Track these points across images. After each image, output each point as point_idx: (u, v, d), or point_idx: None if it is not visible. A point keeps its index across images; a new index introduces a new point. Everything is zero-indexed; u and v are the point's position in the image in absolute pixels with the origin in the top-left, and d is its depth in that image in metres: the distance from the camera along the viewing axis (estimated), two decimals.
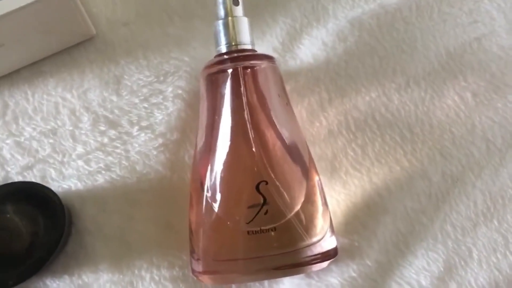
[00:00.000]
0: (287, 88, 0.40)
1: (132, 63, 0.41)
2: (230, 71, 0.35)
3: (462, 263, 0.37)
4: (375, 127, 0.40)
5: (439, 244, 0.38)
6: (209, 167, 0.35)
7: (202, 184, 0.35)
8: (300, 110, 0.41)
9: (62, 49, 0.41)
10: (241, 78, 0.35)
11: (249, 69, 0.35)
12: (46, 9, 0.36)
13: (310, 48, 0.42)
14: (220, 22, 0.36)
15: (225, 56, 0.36)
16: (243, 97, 0.35)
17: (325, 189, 0.37)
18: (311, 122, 0.40)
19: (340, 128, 0.40)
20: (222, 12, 0.36)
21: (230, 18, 0.36)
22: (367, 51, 0.42)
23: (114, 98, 0.40)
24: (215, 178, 0.35)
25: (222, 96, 0.35)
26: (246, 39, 0.36)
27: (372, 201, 0.38)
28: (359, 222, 0.38)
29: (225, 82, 0.35)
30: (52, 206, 0.35)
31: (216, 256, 0.35)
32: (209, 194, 0.35)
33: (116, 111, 0.40)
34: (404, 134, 0.40)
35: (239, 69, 0.35)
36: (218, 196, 0.34)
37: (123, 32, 0.42)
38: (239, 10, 0.36)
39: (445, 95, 0.41)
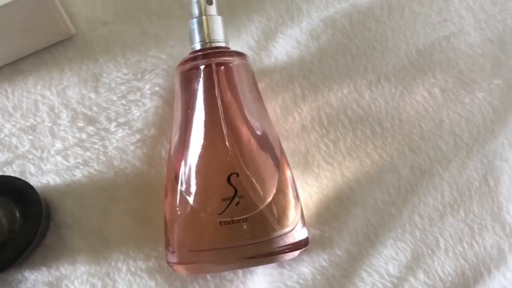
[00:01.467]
0: (262, 85, 0.41)
1: (110, 61, 0.42)
2: (202, 67, 0.36)
3: (429, 252, 0.38)
4: (347, 122, 0.41)
5: (407, 234, 0.39)
6: (183, 161, 0.36)
7: (176, 178, 0.36)
8: (274, 106, 0.42)
9: (42, 48, 0.42)
10: (214, 74, 0.36)
11: (222, 66, 0.36)
12: (24, 9, 0.37)
13: (284, 47, 0.43)
14: (195, 20, 0.37)
15: (198, 53, 0.37)
16: (216, 93, 0.36)
17: (298, 182, 0.39)
18: (285, 117, 0.42)
19: (313, 123, 0.41)
20: (196, 11, 0.37)
21: (204, 17, 0.37)
22: (339, 49, 0.43)
23: (93, 95, 0.41)
24: (189, 171, 0.36)
25: (195, 92, 0.36)
26: (219, 37, 0.37)
27: (343, 194, 0.39)
28: (330, 214, 0.39)
29: (198, 78, 0.36)
30: (30, 199, 0.36)
31: (191, 247, 0.36)
32: (183, 187, 0.35)
33: (94, 108, 0.41)
34: (374, 129, 0.41)
35: (212, 65, 0.36)
36: (192, 189, 0.35)
37: (102, 31, 0.43)
38: (213, 9, 0.37)
39: (414, 91, 0.42)
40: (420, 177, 0.40)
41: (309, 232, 0.38)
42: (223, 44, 0.37)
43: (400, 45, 0.43)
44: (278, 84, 0.42)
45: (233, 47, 0.39)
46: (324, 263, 0.38)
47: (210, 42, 0.37)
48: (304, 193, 0.39)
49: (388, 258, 0.38)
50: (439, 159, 0.40)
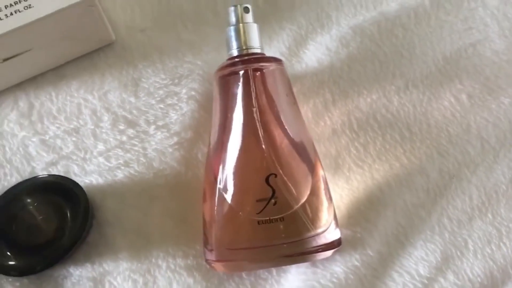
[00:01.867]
0: (294, 90, 0.43)
1: (149, 67, 0.44)
2: (241, 72, 0.38)
3: (458, 253, 0.39)
4: (376, 127, 0.43)
5: (436, 236, 0.40)
6: (221, 163, 0.37)
7: (215, 178, 0.37)
8: (306, 111, 0.43)
9: (84, 54, 0.44)
10: (251, 80, 0.38)
11: (258, 71, 0.38)
12: (71, 17, 0.39)
13: (315, 53, 0.45)
14: (232, 28, 0.39)
15: (236, 59, 0.38)
16: (253, 97, 0.37)
17: (330, 185, 0.40)
18: (316, 122, 0.43)
19: (343, 127, 0.43)
20: (233, 19, 0.39)
21: (241, 24, 0.39)
22: (368, 56, 0.44)
23: (132, 99, 0.43)
24: (227, 172, 0.37)
25: (233, 96, 0.38)
26: (255, 44, 0.39)
27: (374, 196, 0.41)
28: (361, 215, 0.40)
29: (236, 83, 0.38)
30: (77, 198, 0.38)
31: (228, 245, 0.37)
32: (221, 188, 0.37)
33: (134, 111, 0.43)
34: (403, 133, 0.42)
35: (249, 71, 0.38)
36: (230, 189, 0.37)
37: (140, 37, 0.44)
38: (249, 17, 0.39)
39: (441, 97, 0.43)
40: (448, 180, 0.41)
41: (341, 233, 0.39)
42: (259, 51, 0.39)
43: (427, 52, 0.45)
44: (309, 89, 0.44)
45: (266, 53, 0.41)
46: (356, 263, 0.39)
47: (247, 49, 0.38)
48: (336, 195, 0.41)
49: (418, 259, 0.39)
50: (467, 163, 0.42)
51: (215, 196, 0.37)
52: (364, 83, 0.44)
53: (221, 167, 0.37)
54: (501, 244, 0.40)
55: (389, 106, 0.43)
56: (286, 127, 0.38)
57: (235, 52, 0.39)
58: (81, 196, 0.37)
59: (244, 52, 0.38)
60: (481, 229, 0.40)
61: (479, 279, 0.39)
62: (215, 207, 0.37)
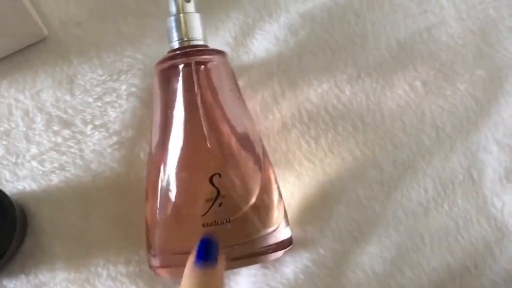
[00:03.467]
0: (241, 82, 0.40)
1: (85, 63, 0.41)
2: (181, 66, 0.35)
3: (415, 248, 0.38)
4: (328, 119, 0.40)
5: (391, 230, 0.38)
6: (163, 162, 0.35)
7: (157, 179, 0.35)
8: (254, 104, 0.41)
9: (14, 51, 0.40)
10: (193, 73, 0.35)
11: (201, 65, 0.35)
12: None
13: (263, 43, 0.42)
14: (172, 18, 0.36)
15: (177, 52, 0.36)
16: (196, 92, 0.35)
17: (280, 181, 0.38)
18: (265, 115, 0.41)
19: (293, 120, 0.40)
20: (174, 9, 0.36)
21: (181, 14, 0.36)
22: (319, 44, 0.42)
23: (68, 98, 0.40)
24: (170, 173, 0.35)
25: (174, 92, 0.35)
26: (198, 35, 0.36)
27: (326, 192, 0.39)
28: (313, 213, 0.38)
29: (177, 77, 0.35)
30: (3, 206, 0.35)
31: (173, 249, 0.35)
32: (164, 189, 0.34)
33: (69, 110, 0.40)
34: (356, 125, 0.40)
35: (191, 64, 0.35)
36: (174, 191, 0.34)
37: (76, 32, 0.41)
38: (190, 7, 0.36)
39: (395, 85, 0.41)
40: (403, 172, 0.39)
41: (292, 232, 0.37)
42: (201, 42, 0.36)
43: (380, 38, 0.42)
44: (257, 81, 0.41)
45: (211, 44, 0.38)
46: (308, 263, 0.37)
47: (189, 40, 0.36)
48: (286, 192, 0.38)
49: (373, 256, 0.37)
50: (422, 153, 0.40)
51: (158, 197, 0.35)
52: (315, 72, 0.41)
53: (162, 166, 0.35)
54: (459, 236, 0.38)
55: (341, 96, 0.41)
56: (232, 123, 0.36)
57: (176, 44, 0.36)
58: (7, 204, 0.35)
59: (186, 44, 0.36)
60: (437, 221, 0.38)
61: (436, 273, 0.37)
62: (157, 210, 0.35)
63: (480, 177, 0.39)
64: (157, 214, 0.35)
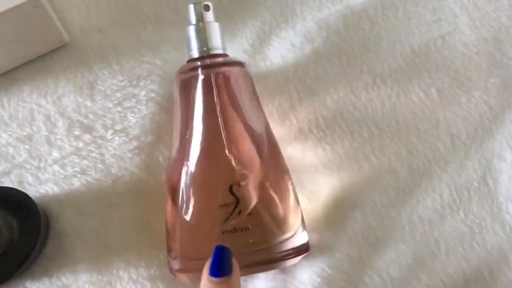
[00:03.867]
0: (258, 89, 0.41)
1: (105, 69, 0.41)
2: (202, 77, 0.36)
3: (430, 254, 0.38)
4: (344, 125, 0.41)
5: (407, 236, 0.38)
6: (184, 169, 0.36)
7: (177, 185, 0.36)
8: (271, 110, 0.41)
9: (36, 57, 0.41)
10: (213, 84, 0.36)
11: (221, 75, 0.36)
12: (17, 18, 0.36)
13: (279, 49, 0.43)
14: (192, 27, 0.37)
15: (198, 63, 0.36)
16: (216, 102, 0.35)
17: (296, 187, 0.38)
18: (282, 121, 0.41)
19: (310, 126, 0.41)
20: (193, 18, 0.37)
21: (201, 23, 0.37)
22: (334, 51, 0.42)
23: (88, 103, 0.41)
24: (190, 179, 0.35)
25: (194, 101, 0.36)
26: (217, 44, 0.37)
27: (342, 197, 0.39)
28: (329, 218, 0.39)
29: (197, 88, 0.36)
30: (28, 210, 0.35)
31: (193, 255, 0.35)
32: (184, 195, 0.35)
33: (90, 115, 0.40)
34: (371, 131, 0.41)
35: (211, 75, 0.36)
36: (194, 197, 0.35)
37: (96, 38, 0.42)
38: (210, 16, 0.37)
39: (410, 91, 0.42)
40: (418, 178, 0.40)
41: (308, 237, 0.37)
42: (221, 51, 0.37)
43: (395, 45, 0.43)
44: (274, 87, 0.42)
45: (228, 51, 0.39)
46: (326, 268, 0.37)
47: (209, 50, 0.36)
48: (303, 198, 0.39)
49: (389, 261, 0.38)
50: (437, 160, 0.40)
51: (178, 204, 0.36)
52: (331, 79, 0.42)
53: (183, 173, 0.36)
54: (474, 243, 0.39)
55: (357, 102, 0.41)
56: (251, 132, 0.36)
57: (195, 54, 0.37)
58: (31, 208, 0.35)
59: (205, 53, 0.36)
60: (452, 228, 0.39)
61: (451, 280, 0.38)
62: (178, 216, 0.35)
63: (495, 184, 0.40)
64: (177, 220, 0.36)
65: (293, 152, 0.40)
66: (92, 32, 0.42)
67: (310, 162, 0.40)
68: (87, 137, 0.40)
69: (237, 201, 0.34)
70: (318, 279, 0.37)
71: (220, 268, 0.31)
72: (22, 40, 0.39)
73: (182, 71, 0.37)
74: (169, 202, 0.36)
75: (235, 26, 0.44)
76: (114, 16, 0.43)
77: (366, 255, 0.38)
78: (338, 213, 0.39)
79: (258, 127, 0.37)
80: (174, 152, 0.37)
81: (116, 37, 0.42)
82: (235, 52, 0.43)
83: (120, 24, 0.43)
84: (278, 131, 0.41)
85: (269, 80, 0.42)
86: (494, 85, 0.42)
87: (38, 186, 0.39)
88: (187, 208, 0.35)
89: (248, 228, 0.34)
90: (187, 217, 0.35)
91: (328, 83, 0.42)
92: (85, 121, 0.40)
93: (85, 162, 0.40)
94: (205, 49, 0.36)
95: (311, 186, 0.40)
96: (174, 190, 0.36)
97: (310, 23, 0.43)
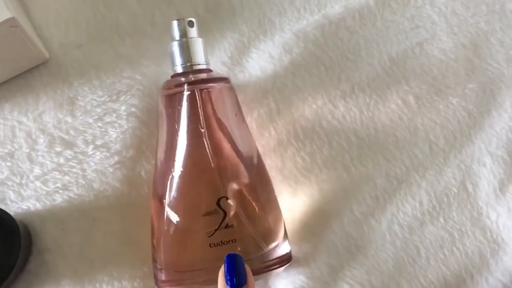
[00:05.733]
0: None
1: (85, 84, 0.43)
2: (187, 93, 0.37)
3: (411, 261, 0.39)
4: (323, 134, 0.42)
5: (387, 244, 0.39)
6: (169, 182, 0.37)
7: (162, 198, 0.37)
8: (250, 122, 0.42)
9: (17, 74, 0.43)
10: (198, 100, 0.37)
11: (205, 90, 0.37)
12: None
13: (258, 61, 0.44)
14: (176, 43, 0.38)
15: (182, 78, 0.37)
16: (201, 118, 0.37)
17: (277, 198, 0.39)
18: (261, 133, 0.42)
19: (289, 137, 0.42)
20: (177, 34, 0.38)
21: (185, 39, 0.38)
22: (312, 61, 0.44)
23: (69, 119, 0.42)
24: (175, 193, 0.36)
25: (179, 117, 0.37)
26: (201, 59, 0.38)
27: (321, 208, 0.40)
28: (309, 229, 0.40)
29: (181, 103, 0.37)
30: (8, 227, 0.37)
31: (178, 267, 0.36)
32: (169, 209, 0.36)
33: (71, 131, 0.42)
34: (350, 140, 0.42)
35: (195, 91, 0.37)
36: (179, 210, 0.36)
37: (75, 54, 0.43)
38: (194, 32, 0.38)
39: (388, 99, 0.43)
40: (397, 186, 0.41)
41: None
42: (204, 66, 0.38)
43: (373, 54, 0.44)
44: (253, 99, 0.43)
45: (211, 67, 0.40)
46: (305, 279, 0.38)
47: (192, 65, 0.38)
48: (283, 209, 0.40)
49: (370, 269, 0.39)
50: (416, 167, 0.41)
51: (163, 217, 0.37)
52: (309, 89, 0.43)
53: (168, 187, 0.37)
54: (454, 248, 0.40)
55: (335, 112, 0.43)
56: (236, 146, 0.38)
57: (179, 69, 0.38)
58: (11, 224, 0.36)
59: (189, 68, 0.38)
60: (433, 234, 0.40)
61: (432, 286, 0.39)
62: (163, 229, 0.37)
63: (474, 189, 0.41)
64: (162, 231, 0.37)
65: (272, 162, 0.42)
66: (72, 48, 0.44)
67: (289, 173, 0.41)
68: (68, 153, 0.41)
69: (224, 214, 0.36)
70: None
71: (236, 278, 0.32)
72: (2, 59, 0.40)
73: (167, 87, 0.38)
74: (154, 214, 0.38)
75: (213, 38, 0.45)
76: (93, 32, 0.44)
77: (347, 264, 0.39)
78: (317, 223, 0.40)
79: (243, 142, 0.38)
80: (159, 164, 0.38)
81: (95, 52, 0.44)
82: (214, 64, 0.44)
83: (98, 39, 0.44)
84: (257, 142, 0.42)
85: (247, 92, 0.43)
86: (472, 91, 0.43)
87: (20, 202, 0.40)
88: (173, 220, 0.36)
89: (235, 241, 0.36)
90: (172, 230, 0.36)
91: (307, 93, 0.43)
92: (66, 137, 0.41)
93: (67, 177, 0.41)
94: (189, 64, 0.38)
95: (290, 197, 0.41)
96: (159, 203, 0.37)
97: (289, 34, 0.44)
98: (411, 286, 0.39)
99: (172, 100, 0.38)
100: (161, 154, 0.38)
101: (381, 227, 0.40)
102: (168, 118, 0.38)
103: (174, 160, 0.37)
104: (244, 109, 0.42)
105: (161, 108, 0.38)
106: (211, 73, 0.39)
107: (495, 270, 0.40)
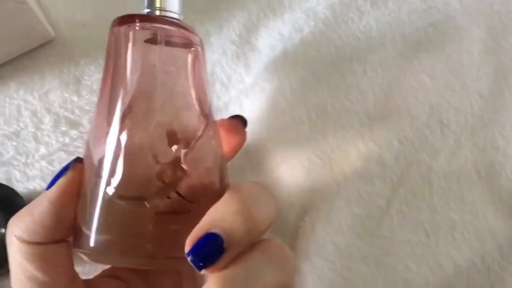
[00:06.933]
0: (249, 80, 0.42)
1: (91, 64, 0.43)
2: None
3: (419, 243, 0.39)
4: (334, 114, 0.42)
5: (395, 225, 0.40)
6: (109, 138, 0.29)
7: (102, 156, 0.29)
8: (262, 102, 0.42)
9: (22, 53, 0.43)
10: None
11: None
12: (2, 15, 0.38)
13: (267, 40, 0.44)
14: None
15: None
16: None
17: (288, 178, 0.40)
18: (274, 112, 0.42)
19: (301, 116, 0.42)
20: None
21: None
22: (323, 41, 0.44)
23: (75, 98, 0.42)
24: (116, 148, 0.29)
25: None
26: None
27: (329, 187, 0.40)
28: (316, 207, 0.40)
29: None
30: (15, 205, 0.37)
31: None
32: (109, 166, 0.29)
33: (76, 111, 0.42)
34: (362, 120, 0.42)
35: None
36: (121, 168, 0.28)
37: (81, 33, 0.44)
38: None
39: (401, 79, 0.43)
40: (406, 167, 0.41)
41: (293, 225, 0.39)
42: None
43: (385, 34, 0.44)
44: (264, 78, 0.43)
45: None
46: (310, 256, 0.39)
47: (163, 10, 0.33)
48: (295, 187, 0.40)
49: (376, 249, 0.39)
50: (426, 149, 0.41)
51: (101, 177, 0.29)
52: (320, 69, 0.43)
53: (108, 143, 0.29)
54: (465, 232, 0.40)
55: (347, 91, 0.43)
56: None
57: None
58: (19, 203, 0.37)
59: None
60: (442, 216, 0.40)
61: (441, 268, 0.39)
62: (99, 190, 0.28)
63: (486, 172, 0.41)
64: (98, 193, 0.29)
65: (285, 140, 0.42)
66: (77, 27, 0.44)
67: (302, 152, 0.41)
68: (73, 132, 0.41)
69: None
70: (302, 267, 0.39)
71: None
72: (7, 37, 0.40)
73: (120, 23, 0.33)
74: (89, 173, 0.30)
75: (221, 17, 0.45)
76: (98, 11, 0.44)
77: (352, 244, 0.39)
78: (324, 202, 0.40)
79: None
80: (96, 120, 0.31)
81: (101, 31, 0.44)
82: (222, 43, 0.44)
83: (104, 18, 0.44)
84: (270, 121, 0.42)
85: (259, 71, 0.43)
86: (485, 73, 0.43)
87: (26, 182, 0.41)
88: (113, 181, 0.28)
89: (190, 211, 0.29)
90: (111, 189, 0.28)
91: (318, 72, 0.43)
92: (72, 116, 0.42)
93: (72, 157, 0.41)
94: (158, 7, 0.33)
95: (304, 176, 0.41)
96: (99, 161, 0.29)
97: (299, 13, 0.44)
98: (419, 268, 0.39)
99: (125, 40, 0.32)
100: (101, 106, 0.31)
101: (389, 209, 0.40)
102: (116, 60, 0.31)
103: (115, 112, 0.29)
104: (256, 88, 0.42)
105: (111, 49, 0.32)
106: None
107: (508, 254, 0.40)
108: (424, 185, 0.40)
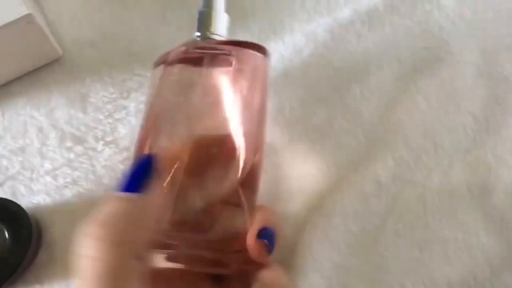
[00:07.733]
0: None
1: (97, 81, 0.45)
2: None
3: (413, 260, 0.41)
4: (332, 133, 0.44)
5: (390, 243, 0.41)
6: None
7: None
8: None
9: (31, 70, 0.45)
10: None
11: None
12: (11, 34, 0.40)
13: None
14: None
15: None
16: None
17: (286, 196, 0.41)
18: (272, 131, 0.44)
19: (300, 136, 0.44)
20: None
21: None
22: (322, 62, 0.46)
23: (80, 115, 0.44)
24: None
25: None
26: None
27: (325, 204, 0.42)
28: (312, 224, 0.41)
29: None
30: (20, 220, 0.39)
31: None
32: None
33: (82, 127, 0.44)
34: (359, 140, 0.44)
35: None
36: None
37: (88, 52, 0.46)
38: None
39: (397, 101, 0.45)
40: (401, 186, 0.42)
41: (291, 242, 0.40)
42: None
43: (382, 57, 0.46)
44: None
45: None
46: (307, 272, 0.40)
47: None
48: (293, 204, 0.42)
49: (372, 267, 0.40)
50: (420, 168, 0.43)
51: None
52: (319, 89, 0.45)
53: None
54: (458, 250, 0.41)
55: (346, 112, 0.44)
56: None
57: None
58: (23, 217, 0.38)
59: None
60: (436, 234, 0.41)
61: (435, 285, 0.40)
62: None
63: (478, 192, 0.43)
64: None
65: (282, 160, 0.43)
66: (85, 45, 0.46)
67: (299, 172, 0.43)
68: (78, 148, 0.43)
69: None
70: (299, 284, 0.40)
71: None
72: (17, 54, 0.42)
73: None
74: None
75: None
76: (105, 30, 0.46)
77: (349, 262, 0.41)
78: (321, 219, 0.41)
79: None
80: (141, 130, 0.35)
81: (107, 50, 0.46)
82: None
83: (111, 37, 0.46)
84: (269, 140, 0.43)
85: None
86: (479, 95, 0.45)
87: (31, 196, 0.42)
88: None
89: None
90: None
91: (317, 93, 0.45)
92: (77, 132, 0.44)
93: (77, 173, 0.43)
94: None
95: (296, 191, 0.42)
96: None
97: (299, 35, 0.46)
98: (414, 285, 0.40)
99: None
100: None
101: (385, 226, 0.41)
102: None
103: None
104: None
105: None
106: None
107: (499, 272, 0.41)
108: (418, 203, 0.42)
